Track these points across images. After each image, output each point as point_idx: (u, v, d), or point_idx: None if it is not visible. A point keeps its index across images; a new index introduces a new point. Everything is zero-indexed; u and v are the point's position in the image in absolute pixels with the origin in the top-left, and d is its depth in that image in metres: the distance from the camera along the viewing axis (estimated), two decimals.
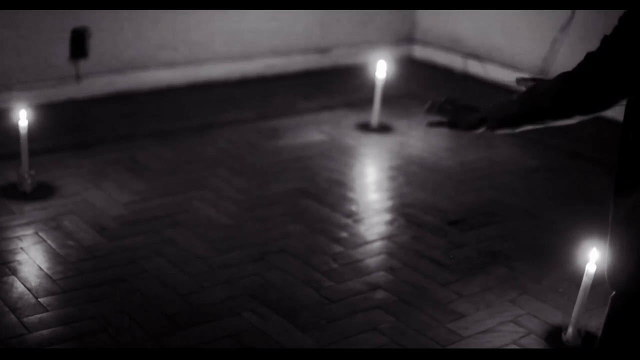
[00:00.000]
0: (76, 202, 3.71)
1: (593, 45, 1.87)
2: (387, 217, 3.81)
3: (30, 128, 3.74)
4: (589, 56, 1.79)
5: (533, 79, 2.21)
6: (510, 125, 2.01)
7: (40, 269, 3.14)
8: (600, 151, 4.73)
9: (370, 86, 5.06)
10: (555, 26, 5.45)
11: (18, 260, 3.18)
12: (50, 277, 3.08)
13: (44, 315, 2.84)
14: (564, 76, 1.85)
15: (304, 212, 3.79)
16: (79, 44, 4.96)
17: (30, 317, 2.82)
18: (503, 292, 3.22)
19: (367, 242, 3.55)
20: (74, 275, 3.12)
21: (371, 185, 4.27)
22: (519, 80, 2.19)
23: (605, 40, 1.74)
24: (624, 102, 1.77)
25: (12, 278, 3.06)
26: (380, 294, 3.15)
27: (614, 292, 1.85)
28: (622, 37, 1.69)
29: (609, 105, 1.78)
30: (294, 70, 5.91)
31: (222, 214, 3.70)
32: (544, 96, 1.87)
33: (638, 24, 1.66)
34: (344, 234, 3.59)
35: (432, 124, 2.29)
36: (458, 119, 2.18)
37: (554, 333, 2.95)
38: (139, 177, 4.01)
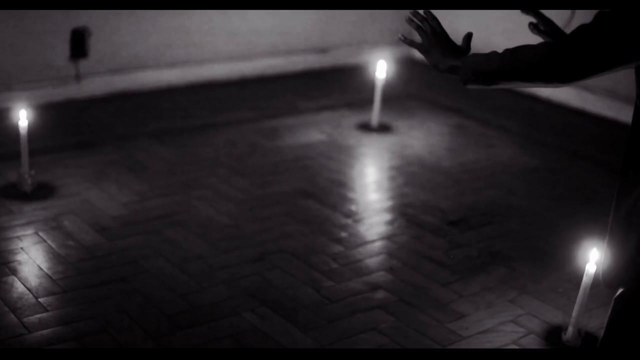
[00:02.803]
0: (76, 202, 3.71)
1: None
2: (387, 217, 3.81)
3: (30, 128, 3.74)
4: (581, 27, 1.78)
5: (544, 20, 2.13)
6: (484, 81, 1.89)
7: (40, 269, 3.14)
8: (600, 151, 4.73)
9: (370, 86, 5.06)
10: None
11: (18, 260, 3.18)
12: (50, 277, 3.08)
13: (44, 315, 2.84)
14: (552, 41, 1.83)
15: (304, 212, 3.79)
16: (79, 44, 4.96)
17: (30, 317, 2.82)
18: (503, 292, 3.22)
19: (367, 242, 3.55)
20: (74, 275, 3.12)
21: (371, 185, 4.27)
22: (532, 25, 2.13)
23: (600, 15, 1.74)
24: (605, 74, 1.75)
25: (12, 278, 3.06)
26: (380, 294, 3.15)
27: (617, 292, 1.85)
28: (617, 12, 1.69)
29: (591, 72, 1.73)
30: (294, 70, 5.91)
31: (222, 214, 3.70)
32: (527, 54, 1.82)
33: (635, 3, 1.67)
34: (344, 234, 3.59)
35: (405, 40, 2.08)
36: (432, 50, 2.00)
37: (554, 333, 2.95)
38: (139, 177, 4.01)
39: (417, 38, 2.07)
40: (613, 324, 1.86)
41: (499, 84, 1.89)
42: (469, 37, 2.07)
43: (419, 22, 2.02)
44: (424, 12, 2.03)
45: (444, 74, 2.00)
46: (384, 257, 3.43)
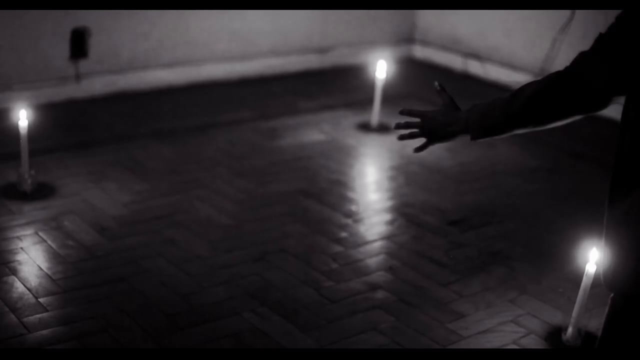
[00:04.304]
0: (76, 202, 3.71)
1: None
2: (387, 217, 3.81)
3: (30, 128, 3.74)
4: (582, 54, 1.77)
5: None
6: (495, 134, 1.93)
7: (40, 269, 3.14)
8: (600, 151, 4.73)
9: (370, 86, 5.06)
10: (555, 26, 5.44)
11: (18, 260, 3.18)
12: (50, 277, 3.08)
13: (44, 315, 2.84)
14: (554, 76, 1.82)
15: (304, 212, 3.79)
16: (79, 44, 4.96)
17: (30, 317, 2.82)
18: (503, 292, 3.22)
19: (367, 242, 3.55)
20: (74, 275, 3.12)
21: (371, 185, 4.27)
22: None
23: (600, 38, 1.74)
24: (621, 102, 1.77)
25: (12, 278, 3.06)
26: (380, 294, 3.15)
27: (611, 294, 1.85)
28: (617, 35, 1.69)
29: (602, 104, 1.75)
30: (294, 70, 5.91)
31: (222, 214, 3.70)
32: (532, 98, 1.82)
33: (633, 22, 1.66)
34: (344, 234, 3.59)
35: (403, 137, 2.17)
36: (433, 133, 2.08)
37: (554, 333, 2.95)
38: (139, 177, 4.01)
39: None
40: (610, 323, 1.86)
41: (512, 132, 1.88)
42: (443, 91, 2.11)
43: (408, 129, 2.10)
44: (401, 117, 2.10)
45: (455, 139, 2.02)
46: (384, 257, 3.43)
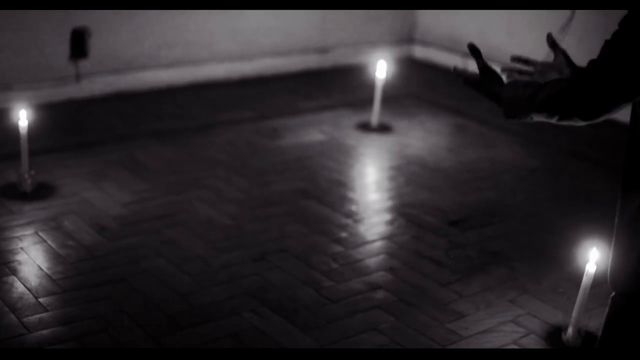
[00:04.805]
0: (76, 202, 3.71)
1: (593, 45, 1.88)
2: (387, 217, 3.81)
3: (30, 128, 3.74)
4: (592, 62, 1.79)
5: (526, 60, 2.21)
6: (522, 118, 2.00)
7: (40, 269, 3.14)
8: (600, 151, 4.73)
9: (370, 86, 5.06)
10: (555, 26, 5.44)
11: (18, 260, 3.18)
12: (50, 277, 3.08)
13: (44, 315, 2.84)
14: (568, 83, 1.85)
15: (304, 212, 3.79)
16: (79, 44, 4.96)
17: (30, 317, 2.82)
18: (503, 292, 3.22)
19: (367, 242, 3.55)
20: (74, 275, 3.12)
21: (371, 185, 4.27)
22: (513, 60, 2.19)
23: (606, 45, 1.74)
24: (629, 106, 1.77)
25: (12, 278, 3.06)
26: (380, 294, 3.15)
27: (614, 292, 1.85)
28: (623, 41, 1.69)
29: (610, 109, 1.77)
30: (294, 70, 5.91)
31: (222, 214, 3.70)
32: (548, 100, 1.86)
33: (636, 25, 1.66)
34: (344, 234, 3.59)
35: (460, 75, 2.27)
36: (483, 83, 2.18)
37: (554, 333, 2.95)
38: (139, 177, 4.01)
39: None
40: (610, 323, 1.86)
41: (536, 120, 1.95)
42: (478, 55, 2.20)
43: (464, 77, 2.21)
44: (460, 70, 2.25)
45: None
46: (384, 257, 3.43)
